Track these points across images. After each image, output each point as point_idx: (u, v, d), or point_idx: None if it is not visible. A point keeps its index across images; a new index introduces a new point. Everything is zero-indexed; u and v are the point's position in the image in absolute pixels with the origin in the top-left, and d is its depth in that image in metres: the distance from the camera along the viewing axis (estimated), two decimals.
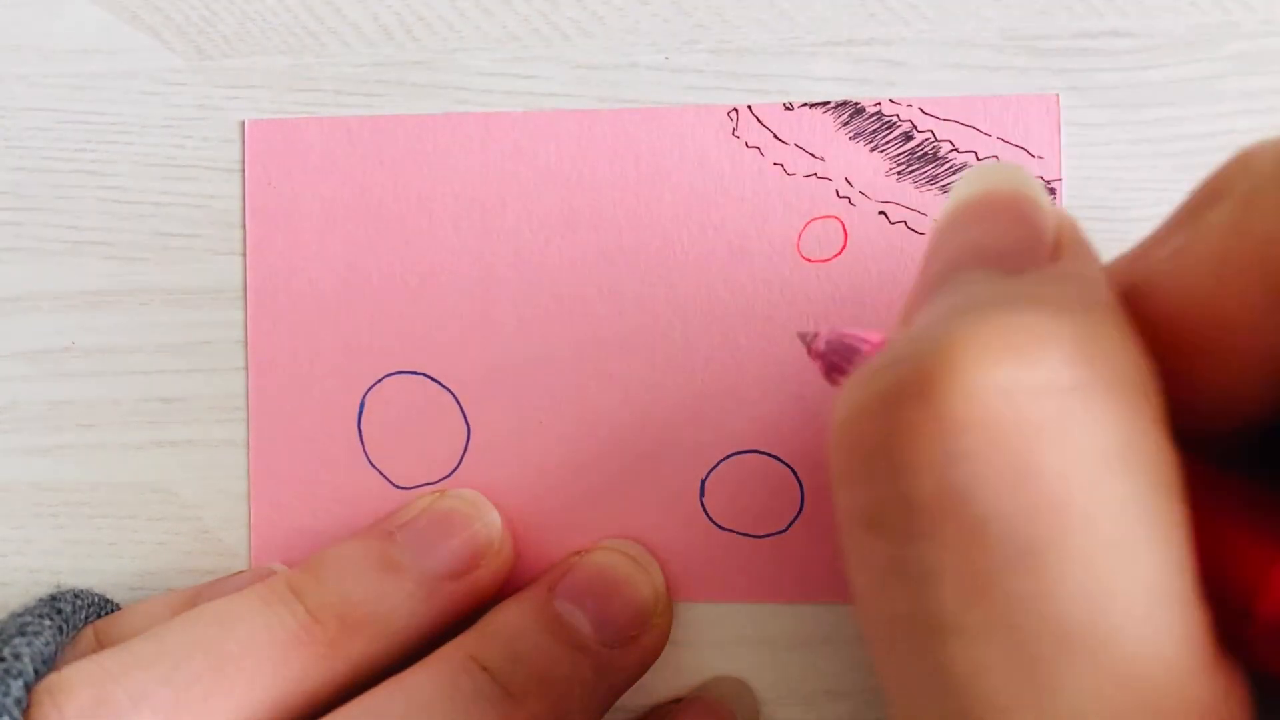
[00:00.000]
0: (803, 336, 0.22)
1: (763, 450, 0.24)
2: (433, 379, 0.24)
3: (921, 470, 0.11)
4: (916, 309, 0.14)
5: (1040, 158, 0.23)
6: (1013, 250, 0.13)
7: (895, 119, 0.23)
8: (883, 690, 0.12)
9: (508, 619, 0.22)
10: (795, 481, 0.24)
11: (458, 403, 0.24)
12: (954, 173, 0.23)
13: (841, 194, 0.23)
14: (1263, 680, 0.12)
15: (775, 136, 0.24)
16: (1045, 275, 0.13)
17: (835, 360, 0.21)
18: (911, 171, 0.23)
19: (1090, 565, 0.11)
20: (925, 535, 0.11)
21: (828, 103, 0.24)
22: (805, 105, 0.24)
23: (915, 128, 0.23)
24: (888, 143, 0.23)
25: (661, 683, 0.24)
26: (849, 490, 0.12)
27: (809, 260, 0.24)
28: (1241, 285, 0.12)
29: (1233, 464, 0.13)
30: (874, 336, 0.17)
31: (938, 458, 0.11)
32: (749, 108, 0.24)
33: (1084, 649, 0.11)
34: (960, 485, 0.11)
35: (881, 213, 0.23)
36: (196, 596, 0.23)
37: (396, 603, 0.21)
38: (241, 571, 0.24)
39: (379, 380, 0.24)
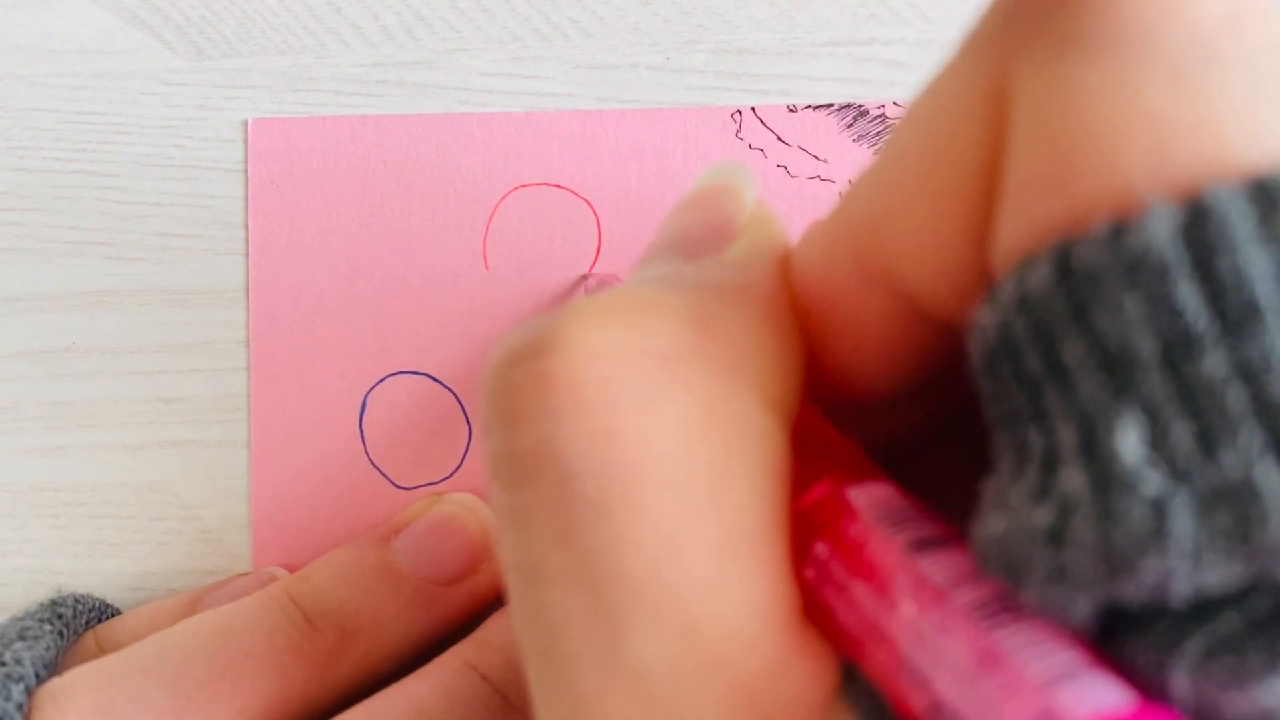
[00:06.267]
0: (581, 279, 0.22)
1: None
2: (434, 379, 0.24)
3: (523, 424, 0.12)
4: None
5: None
6: (695, 238, 0.14)
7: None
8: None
9: (506, 627, 0.22)
10: None
11: (459, 403, 0.24)
12: None
13: None
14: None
15: (779, 139, 0.24)
16: (711, 261, 0.14)
17: None
18: None
19: (656, 525, 0.11)
20: (526, 484, 0.12)
21: (831, 105, 0.23)
22: (809, 107, 0.24)
23: None
24: None
25: None
26: (482, 441, 0.13)
27: None
28: (839, 264, 0.13)
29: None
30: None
31: (536, 413, 0.12)
32: (753, 109, 0.24)
33: (649, 603, 0.11)
34: (550, 439, 0.12)
35: None
36: (197, 601, 0.23)
37: (395, 610, 0.21)
38: (242, 575, 0.24)
39: (381, 380, 0.24)
